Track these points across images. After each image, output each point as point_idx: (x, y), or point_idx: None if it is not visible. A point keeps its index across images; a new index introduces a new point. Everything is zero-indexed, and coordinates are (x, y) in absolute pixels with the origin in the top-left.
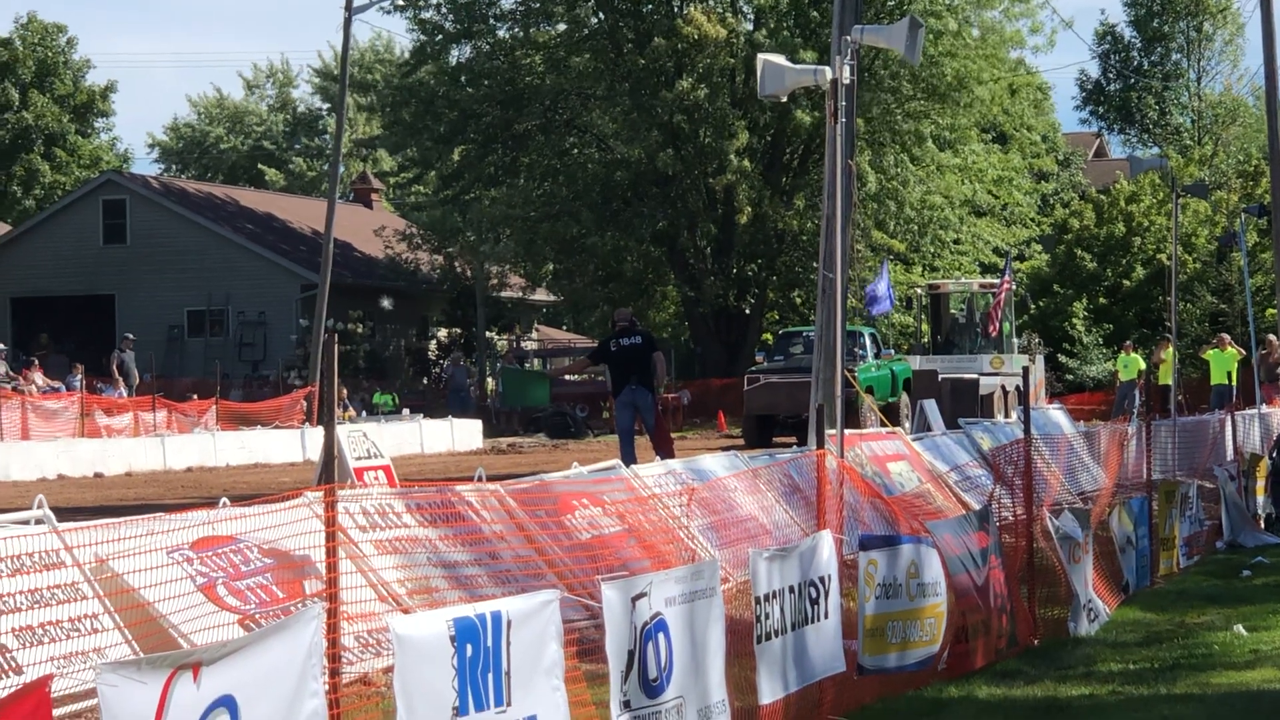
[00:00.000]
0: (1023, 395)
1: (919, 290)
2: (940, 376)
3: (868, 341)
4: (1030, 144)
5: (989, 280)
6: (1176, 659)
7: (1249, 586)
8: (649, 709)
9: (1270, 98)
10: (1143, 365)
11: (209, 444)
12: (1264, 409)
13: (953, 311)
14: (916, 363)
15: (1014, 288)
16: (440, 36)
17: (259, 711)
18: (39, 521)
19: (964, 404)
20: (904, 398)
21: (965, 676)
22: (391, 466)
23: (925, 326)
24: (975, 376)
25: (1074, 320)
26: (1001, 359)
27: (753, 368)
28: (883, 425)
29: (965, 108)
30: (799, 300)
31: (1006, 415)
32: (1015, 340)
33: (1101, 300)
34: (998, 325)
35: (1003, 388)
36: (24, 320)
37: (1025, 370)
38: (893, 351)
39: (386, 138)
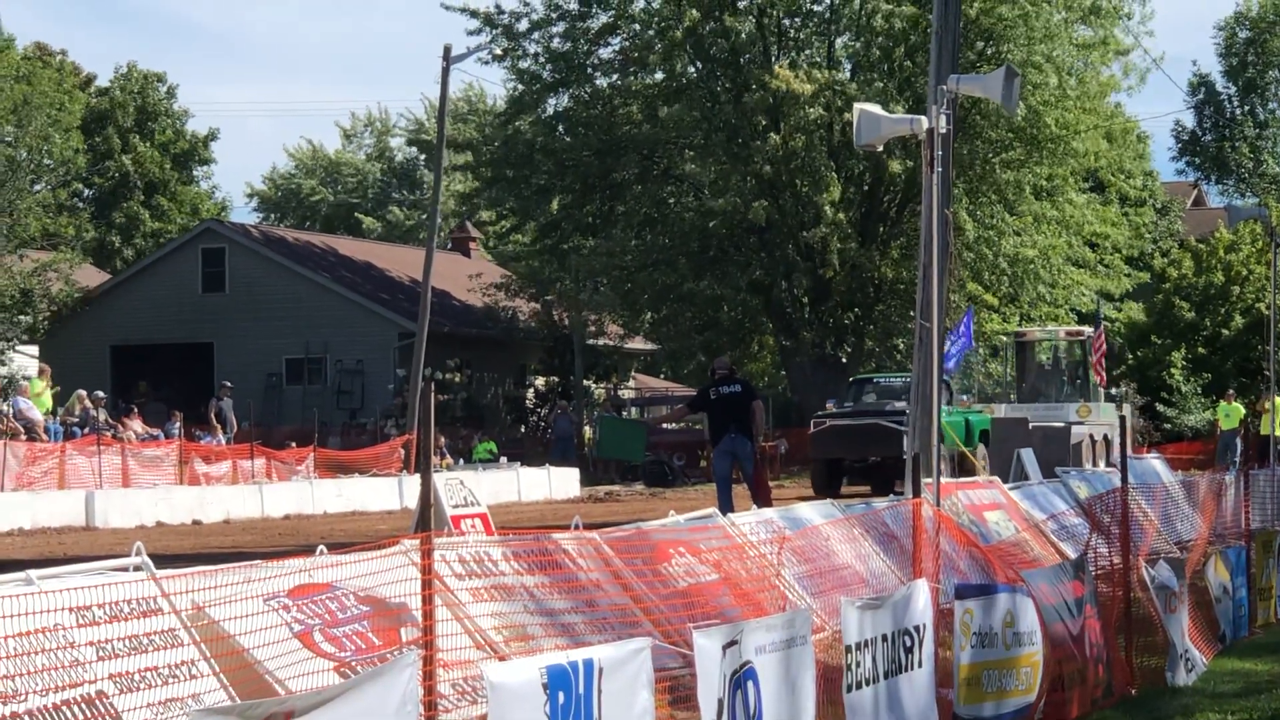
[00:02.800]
0: (1118, 444)
1: (1005, 339)
2: (1031, 425)
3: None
4: (1130, 189)
5: (1075, 329)
6: (1276, 710)
7: None
8: None
9: None
10: (1243, 414)
11: (306, 492)
12: None
13: (1039, 359)
14: (1002, 411)
15: (1104, 339)
16: (538, 86)
17: None
18: (137, 568)
19: (1055, 452)
20: (980, 448)
21: None
22: (488, 514)
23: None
24: (1066, 425)
25: (1173, 370)
26: (1089, 407)
27: (819, 413)
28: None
29: (1064, 157)
30: (900, 349)
31: (1094, 464)
32: (1101, 390)
33: (1200, 350)
34: (1103, 375)
35: (1091, 436)
36: (123, 368)
37: (1123, 420)
38: (966, 399)
39: (483, 190)
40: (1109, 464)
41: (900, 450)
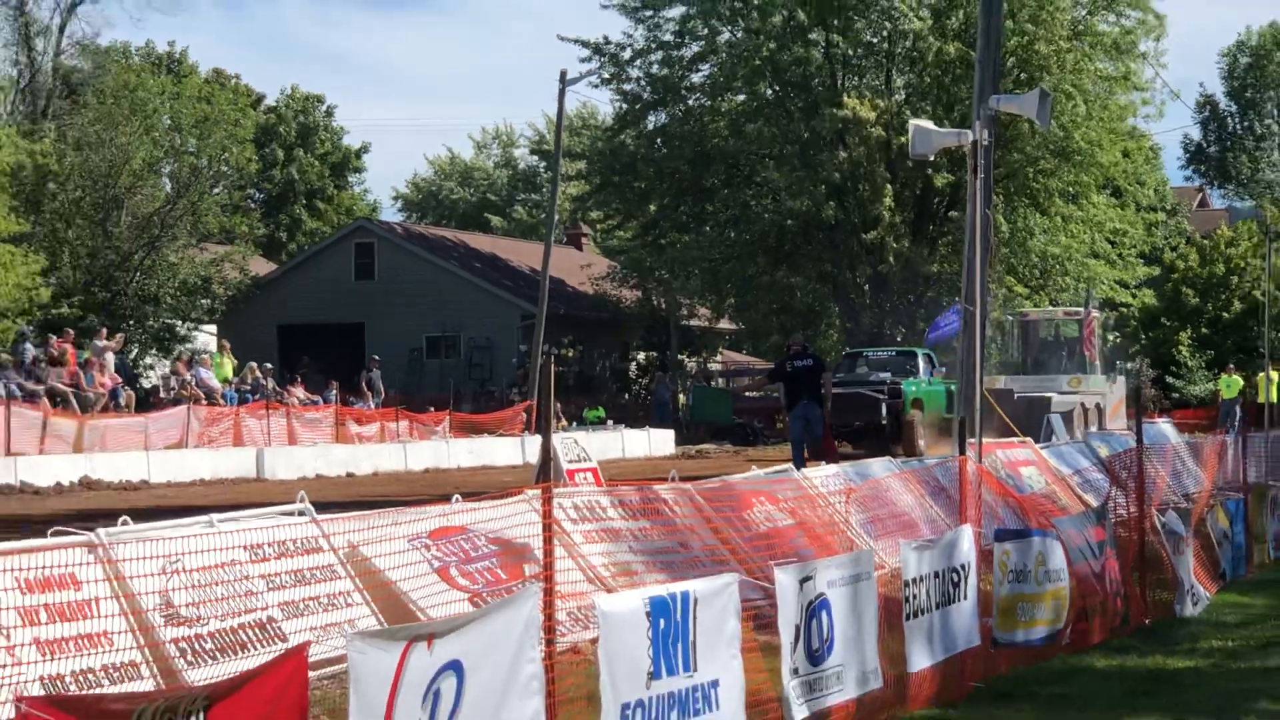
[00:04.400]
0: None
1: (1009, 318)
2: (1016, 395)
3: (921, 362)
4: (1144, 196)
5: (1072, 309)
6: (1269, 638)
7: None
8: (813, 675)
9: None
10: (1241, 385)
11: (443, 449)
12: None
13: (1042, 336)
14: (1001, 382)
15: (1098, 318)
16: (639, 105)
17: (483, 675)
18: (301, 513)
19: (1037, 419)
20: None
21: (1084, 650)
22: (598, 469)
23: (1015, 350)
24: (1049, 395)
25: (1180, 347)
26: (1079, 379)
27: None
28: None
29: (1088, 168)
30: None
31: (1086, 428)
32: (1099, 363)
33: (1204, 330)
34: (1093, 351)
35: (1082, 405)
36: (288, 344)
37: (1138, 390)
38: (944, 370)
39: (594, 193)
40: (1100, 428)
41: (880, 416)
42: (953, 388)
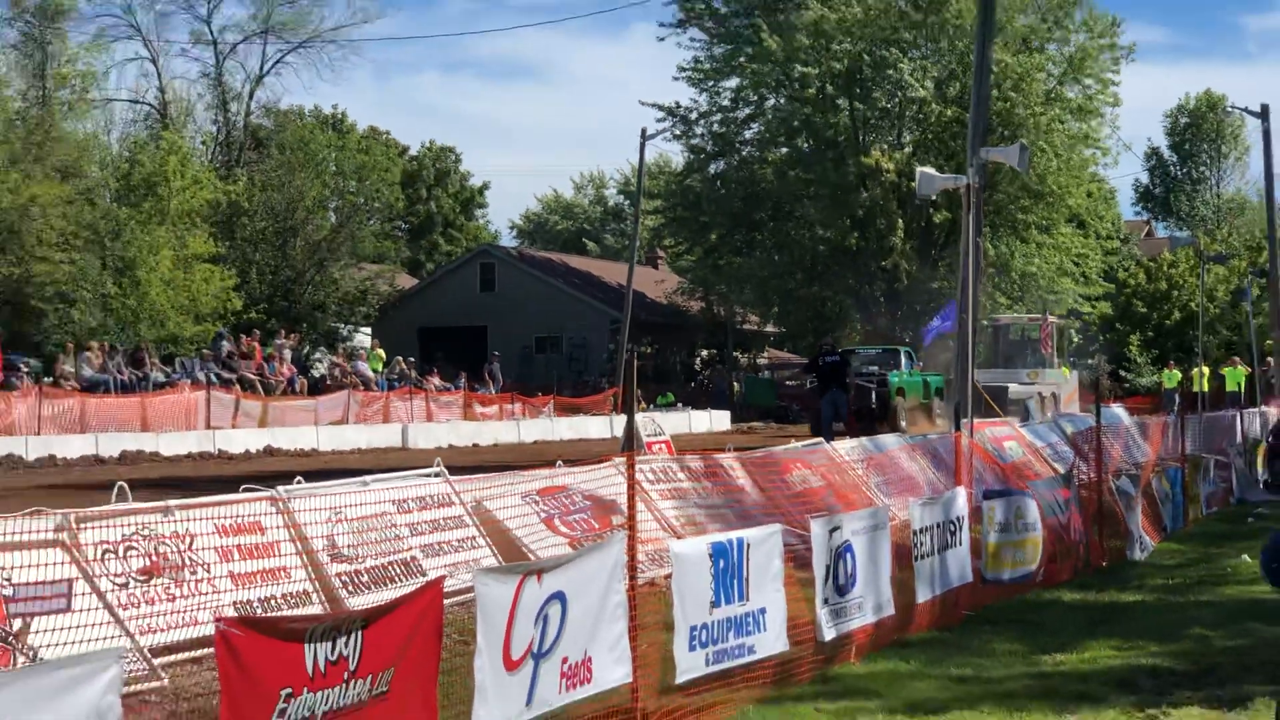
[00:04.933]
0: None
1: (985, 323)
2: (982, 385)
3: (903, 358)
4: (1102, 228)
5: (1035, 315)
6: (1201, 577)
7: (1251, 528)
8: (840, 604)
9: (1269, 195)
10: (1179, 378)
11: (548, 426)
12: (1263, 408)
13: (1011, 337)
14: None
15: (1055, 324)
16: (703, 156)
17: (581, 603)
18: (437, 475)
19: (999, 404)
20: (936, 400)
21: (1054, 586)
22: (670, 441)
23: (989, 348)
24: (1007, 385)
25: (1131, 347)
26: (1037, 373)
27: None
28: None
29: (1058, 206)
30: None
31: (1042, 415)
32: (1055, 360)
33: (1150, 334)
34: (1050, 349)
35: (1040, 394)
36: (426, 343)
37: (1097, 382)
38: (920, 364)
39: (667, 225)
40: (1056, 413)
41: (871, 401)
42: (929, 378)
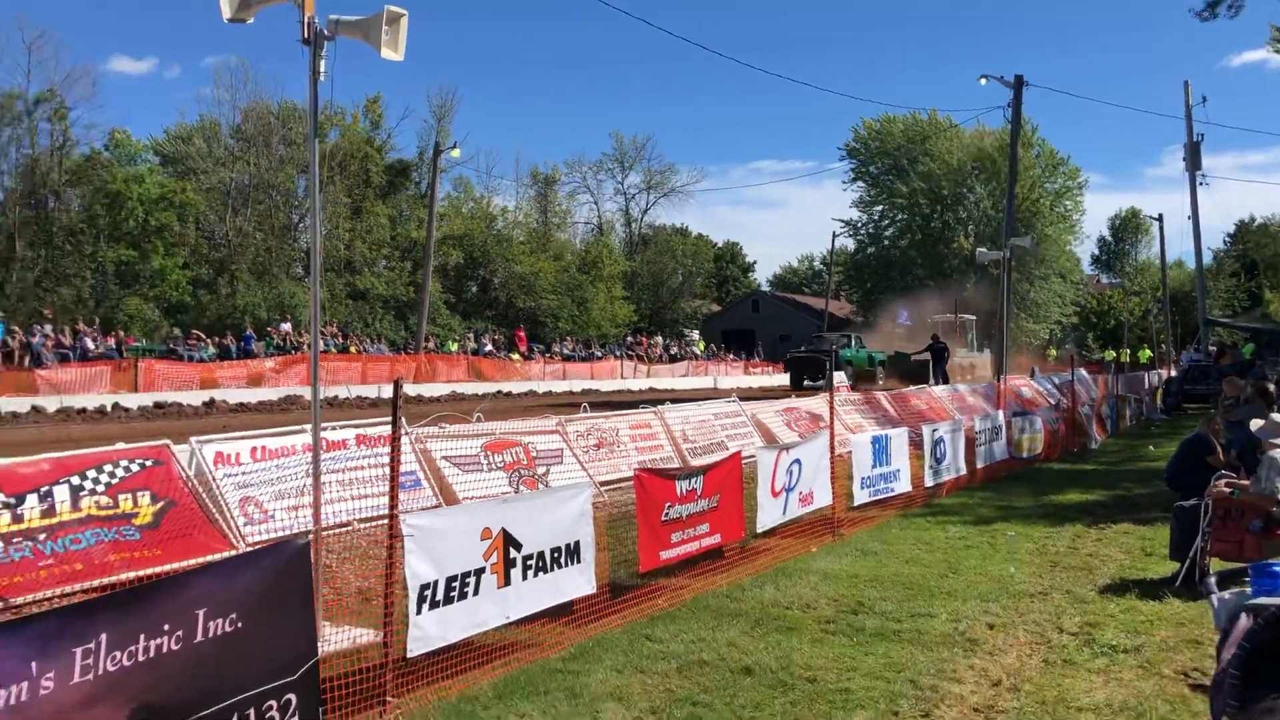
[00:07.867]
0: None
1: (930, 320)
2: (911, 358)
3: (853, 340)
4: (1074, 276)
5: (966, 315)
6: (1130, 455)
7: (1155, 433)
8: (937, 467)
9: (1163, 262)
10: (1115, 354)
11: (785, 379)
12: (1159, 371)
13: (942, 332)
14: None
15: (966, 321)
16: (863, 244)
17: (809, 464)
18: (730, 400)
19: (920, 372)
20: (879, 369)
21: (1049, 461)
22: (849, 385)
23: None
24: (927, 357)
25: (1089, 340)
26: (955, 352)
27: (791, 350)
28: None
29: (1053, 264)
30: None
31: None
32: (976, 346)
33: (1099, 333)
34: (968, 339)
35: (959, 365)
36: (731, 340)
37: (1073, 358)
38: (861, 342)
39: (844, 283)
40: (971, 378)
41: (825, 369)
42: (872, 353)
